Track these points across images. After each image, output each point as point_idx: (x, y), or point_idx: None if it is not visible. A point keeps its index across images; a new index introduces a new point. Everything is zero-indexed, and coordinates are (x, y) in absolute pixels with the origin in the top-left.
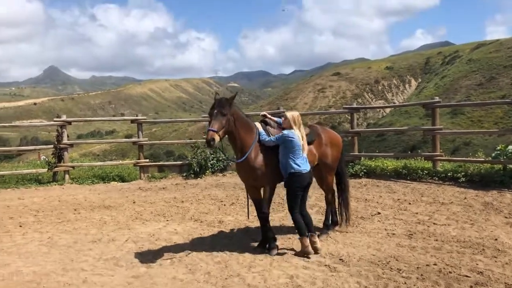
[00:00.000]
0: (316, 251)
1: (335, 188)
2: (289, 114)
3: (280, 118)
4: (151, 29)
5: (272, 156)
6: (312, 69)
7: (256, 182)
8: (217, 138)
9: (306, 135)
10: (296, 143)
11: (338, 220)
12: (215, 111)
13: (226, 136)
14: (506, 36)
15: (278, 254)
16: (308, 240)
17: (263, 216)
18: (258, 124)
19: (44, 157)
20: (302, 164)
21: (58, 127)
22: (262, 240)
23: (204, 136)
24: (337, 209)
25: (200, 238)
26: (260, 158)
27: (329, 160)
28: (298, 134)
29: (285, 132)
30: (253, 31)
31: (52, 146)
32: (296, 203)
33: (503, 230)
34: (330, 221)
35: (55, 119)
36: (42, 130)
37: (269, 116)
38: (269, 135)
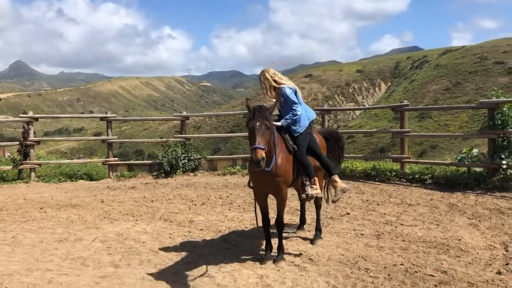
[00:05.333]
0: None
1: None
2: (268, 73)
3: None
4: (122, 25)
5: (290, 158)
6: (285, 70)
7: (273, 190)
8: (265, 156)
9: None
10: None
11: (306, 220)
12: (258, 123)
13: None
14: (471, 43)
15: (248, 253)
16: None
17: (280, 224)
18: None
19: (9, 154)
20: None
21: (25, 123)
22: (266, 247)
23: (177, 135)
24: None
25: (170, 238)
26: (282, 163)
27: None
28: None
29: (286, 89)
30: (225, 30)
31: (17, 143)
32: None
33: (466, 230)
34: (321, 225)
35: (21, 115)
36: (7, 127)
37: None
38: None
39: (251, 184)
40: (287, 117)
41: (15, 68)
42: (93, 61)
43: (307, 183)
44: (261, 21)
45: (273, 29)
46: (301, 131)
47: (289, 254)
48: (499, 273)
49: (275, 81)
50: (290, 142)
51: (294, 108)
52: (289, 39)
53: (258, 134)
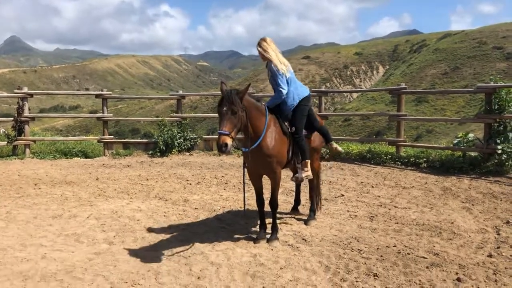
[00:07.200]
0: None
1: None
2: (268, 44)
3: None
4: (118, 2)
5: (284, 140)
6: (283, 51)
7: (266, 170)
8: (229, 141)
9: None
10: (292, 72)
11: (301, 201)
12: (224, 108)
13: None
14: (470, 27)
15: (242, 232)
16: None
17: (273, 205)
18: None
19: (4, 130)
20: None
21: (19, 99)
22: (260, 227)
23: (173, 115)
24: (301, 191)
25: (164, 216)
26: (273, 144)
27: (316, 145)
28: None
29: (278, 70)
30: (223, 9)
31: (12, 119)
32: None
33: (459, 214)
34: (315, 206)
35: (15, 90)
36: (2, 103)
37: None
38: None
39: (246, 164)
40: (270, 99)
41: (10, 43)
42: (89, 38)
43: (298, 166)
44: (259, 0)
45: (271, 9)
46: (288, 110)
47: (284, 234)
48: (490, 256)
49: (265, 51)
50: (286, 124)
51: (279, 89)
52: (287, 19)
53: (223, 120)
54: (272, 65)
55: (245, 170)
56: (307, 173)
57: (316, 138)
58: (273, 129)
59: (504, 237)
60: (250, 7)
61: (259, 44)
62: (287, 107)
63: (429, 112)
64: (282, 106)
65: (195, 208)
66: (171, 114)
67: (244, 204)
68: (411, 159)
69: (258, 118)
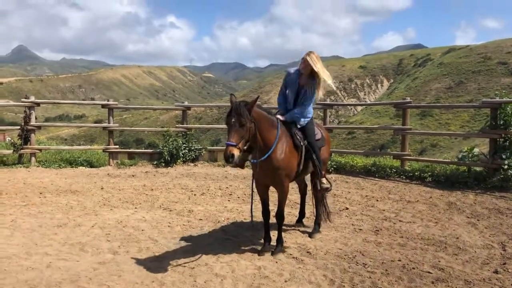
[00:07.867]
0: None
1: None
2: (312, 56)
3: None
4: (124, 13)
5: (295, 153)
6: (288, 63)
7: (275, 182)
8: (236, 152)
9: (317, 140)
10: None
11: (306, 213)
12: (233, 120)
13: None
14: (474, 42)
15: (246, 244)
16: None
17: (280, 217)
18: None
19: (9, 138)
20: None
21: (26, 108)
22: (265, 239)
23: (179, 125)
24: (305, 203)
25: (169, 227)
26: (283, 156)
27: (324, 157)
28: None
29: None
30: (228, 21)
31: (18, 127)
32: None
33: (464, 229)
34: (320, 219)
35: (23, 99)
36: (8, 111)
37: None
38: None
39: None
40: (289, 113)
41: (17, 52)
42: (95, 48)
43: (317, 177)
44: (264, 13)
45: (276, 21)
46: (305, 123)
47: (289, 247)
48: (496, 272)
49: (316, 62)
50: (298, 137)
51: (305, 104)
52: (292, 32)
53: (231, 131)
54: (316, 82)
55: (253, 181)
56: (325, 182)
57: (323, 150)
58: (284, 141)
59: (510, 253)
60: (255, 19)
61: (309, 54)
62: (303, 122)
63: (433, 126)
64: (298, 120)
65: (200, 219)
66: (177, 125)
67: (252, 216)
68: (416, 173)
69: (269, 130)
